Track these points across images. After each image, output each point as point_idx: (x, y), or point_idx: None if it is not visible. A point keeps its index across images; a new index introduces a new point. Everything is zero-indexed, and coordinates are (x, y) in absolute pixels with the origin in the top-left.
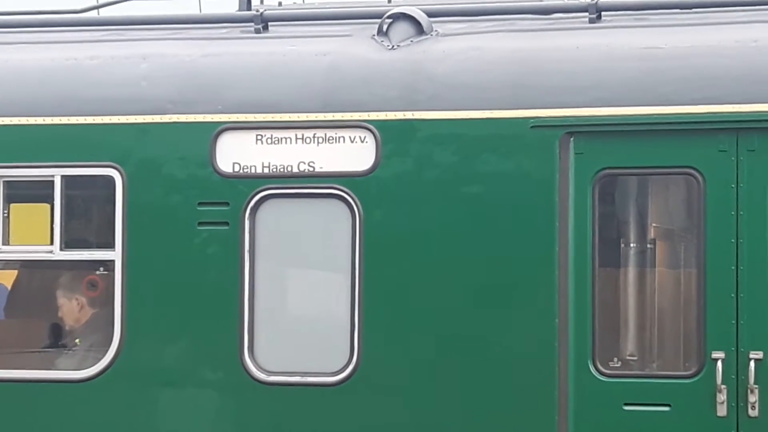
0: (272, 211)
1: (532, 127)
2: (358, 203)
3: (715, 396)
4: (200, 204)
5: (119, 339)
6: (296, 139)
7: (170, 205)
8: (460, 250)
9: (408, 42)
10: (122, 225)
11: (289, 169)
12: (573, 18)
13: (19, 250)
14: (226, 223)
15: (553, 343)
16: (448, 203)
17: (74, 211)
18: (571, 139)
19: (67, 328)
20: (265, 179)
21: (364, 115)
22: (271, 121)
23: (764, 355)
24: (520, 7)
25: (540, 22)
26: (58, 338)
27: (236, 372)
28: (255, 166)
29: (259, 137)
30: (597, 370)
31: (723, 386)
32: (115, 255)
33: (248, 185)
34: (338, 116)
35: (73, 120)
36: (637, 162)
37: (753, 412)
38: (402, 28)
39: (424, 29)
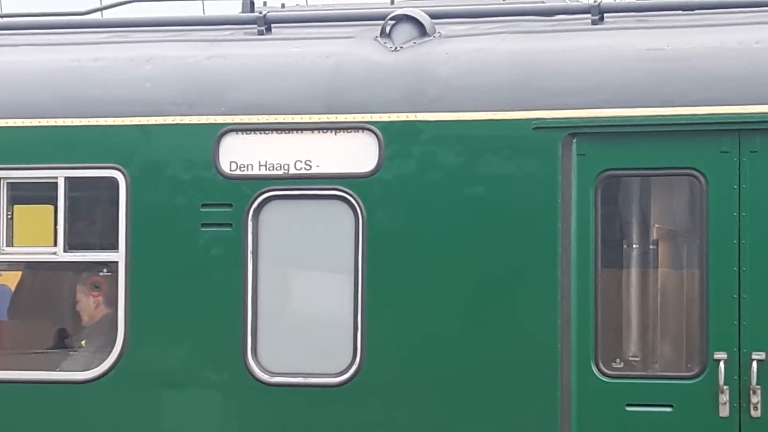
0: (275, 213)
1: (534, 128)
2: (361, 205)
3: (717, 397)
4: (203, 205)
5: (123, 340)
6: (299, 140)
7: (173, 207)
8: (463, 251)
9: (411, 44)
10: (126, 226)
11: (292, 170)
12: (575, 20)
13: (22, 252)
14: (230, 225)
15: (555, 344)
16: (451, 204)
17: (78, 213)
18: (574, 140)
19: (70, 329)
20: (268, 181)
21: (367, 117)
22: (274, 123)
23: (766, 355)
24: (522, 9)
25: (543, 23)
26: (61, 340)
27: (239, 373)
28: (258, 168)
29: (262, 139)
30: (599, 370)
31: (725, 387)
32: (119, 256)
33: (251, 187)
34: (341, 118)
35: (77, 122)
36: (640, 163)
37: (755, 413)
38: (405, 30)
39: (427, 31)
